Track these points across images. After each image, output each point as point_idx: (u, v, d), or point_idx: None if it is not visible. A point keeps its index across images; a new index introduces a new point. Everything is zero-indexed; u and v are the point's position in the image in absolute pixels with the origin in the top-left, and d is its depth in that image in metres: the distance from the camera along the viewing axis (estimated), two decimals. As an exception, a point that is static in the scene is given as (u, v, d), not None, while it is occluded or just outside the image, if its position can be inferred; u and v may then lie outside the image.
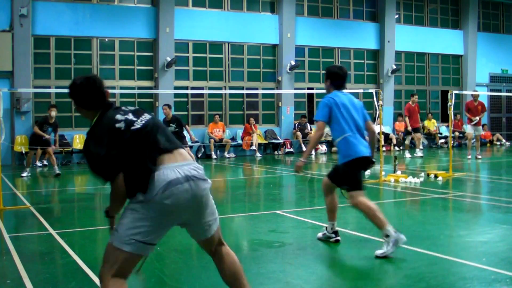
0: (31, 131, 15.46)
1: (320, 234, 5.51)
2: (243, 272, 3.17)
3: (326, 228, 5.43)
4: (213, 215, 3.10)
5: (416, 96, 16.83)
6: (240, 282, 3.14)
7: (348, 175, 5.04)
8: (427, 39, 21.84)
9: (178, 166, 2.86)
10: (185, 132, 13.16)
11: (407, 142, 16.74)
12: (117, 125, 2.86)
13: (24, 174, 12.29)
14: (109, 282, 2.75)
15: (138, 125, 2.90)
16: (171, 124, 12.77)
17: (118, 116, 2.92)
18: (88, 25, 16.40)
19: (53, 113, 12.63)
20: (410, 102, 16.46)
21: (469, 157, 14.68)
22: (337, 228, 5.40)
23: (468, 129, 14.92)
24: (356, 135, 5.02)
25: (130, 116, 2.94)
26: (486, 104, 22.71)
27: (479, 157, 14.52)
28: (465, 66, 22.74)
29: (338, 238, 5.36)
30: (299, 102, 19.75)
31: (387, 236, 4.73)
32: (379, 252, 4.71)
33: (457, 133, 20.64)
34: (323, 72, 20.05)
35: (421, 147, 16.94)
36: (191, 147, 17.30)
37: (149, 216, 2.78)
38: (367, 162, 5.07)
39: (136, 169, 2.81)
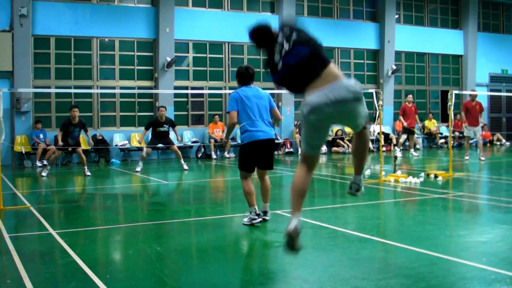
0: (31, 131, 15.53)
1: (245, 220, 6.22)
2: (364, 153, 4.05)
3: (250, 212, 6.18)
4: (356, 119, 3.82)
5: (410, 96, 16.83)
6: (359, 156, 4.04)
7: (240, 156, 6.25)
8: (427, 39, 21.84)
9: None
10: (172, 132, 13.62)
11: (401, 140, 16.70)
12: None
13: (44, 174, 12.10)
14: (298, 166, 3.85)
15: None
16: (164, 125, 12.97)
17: None
18: (88, 25, 16.41)
19: (76, 113, 12.02)
20: (406, 103, 16.47)
21: (467, 157, 14.54)
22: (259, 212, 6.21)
23: (466, 131, 14.77)
24: (255, 122, 6.05)
25: None
26: (486, 104, 22.81)
27: (483, 158, 14.38)
28: (465, 66, 22.74)
29: (266, 218, 6.22)
30: (299, 102, 19.71)
31: (250, 213, 6.13)
32: (245, 220, 6.17)
33: (457, 133, 20.64)
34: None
35: (418, 146, 16.97)
36: (191, 146, 17.33)
37: None
38: (266, 144, 6.08)
39: None
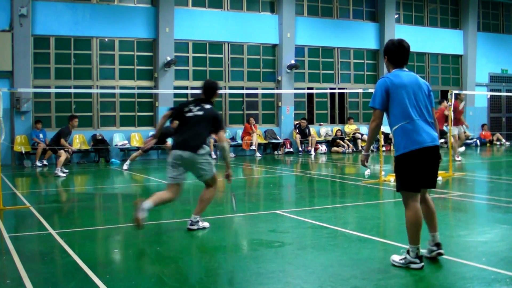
0: (31, 131, 15.52)
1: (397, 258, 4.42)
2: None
3: (409, 251, 4.38)
4: (200, 173, 6.26)
5: None
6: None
7: (398, 171, 4.36)
8: (427, 39, 21.85)
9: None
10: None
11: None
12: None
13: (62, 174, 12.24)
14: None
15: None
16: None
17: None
18: (88, 25, 16.41)
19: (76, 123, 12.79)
20: None
21: (458, 158, 14.19)
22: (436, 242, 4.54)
23: (455, 130, 13.99)
24: (416, 122, 4.25)
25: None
26: (486, 104, 22.86)
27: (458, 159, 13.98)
28: (465, 66, 22.74)
29: (441, 251, 4.50)
30: (299, 102, 19.75)
31: (408, 252, 4.33)
32: (396, 259, 4.38)
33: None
34: (323, 72, 20.10)
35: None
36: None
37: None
38: (429, 154, 4.27)
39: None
